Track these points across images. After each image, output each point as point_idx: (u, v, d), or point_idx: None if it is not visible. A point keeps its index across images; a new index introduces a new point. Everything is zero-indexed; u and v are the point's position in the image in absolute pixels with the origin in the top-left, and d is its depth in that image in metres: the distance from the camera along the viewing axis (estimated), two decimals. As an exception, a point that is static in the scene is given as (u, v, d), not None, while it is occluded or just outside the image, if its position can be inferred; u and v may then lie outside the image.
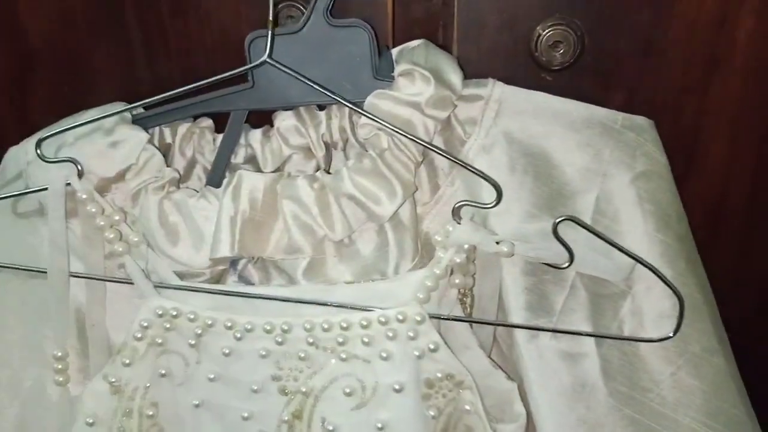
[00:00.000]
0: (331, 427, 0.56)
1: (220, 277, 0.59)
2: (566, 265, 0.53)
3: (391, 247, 0.56)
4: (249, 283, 0.58)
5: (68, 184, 0.55)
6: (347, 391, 0.55)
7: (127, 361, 0.56)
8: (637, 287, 0.55)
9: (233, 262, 0.58)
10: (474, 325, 0.58)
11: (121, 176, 0.57)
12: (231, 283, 0.59)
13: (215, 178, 0.58)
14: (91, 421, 0.57)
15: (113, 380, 0.57)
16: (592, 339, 0.55)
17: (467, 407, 0.57)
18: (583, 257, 0.53)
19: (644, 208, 0.55)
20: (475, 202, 0.53)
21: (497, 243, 0.53)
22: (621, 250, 0.53)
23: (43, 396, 0.60)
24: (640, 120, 0.57)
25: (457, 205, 0.54)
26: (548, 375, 0.55)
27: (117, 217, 0.56)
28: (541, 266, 0.55)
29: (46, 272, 0.56)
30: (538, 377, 0.55)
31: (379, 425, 0.55)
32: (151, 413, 0.57)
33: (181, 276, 0.57)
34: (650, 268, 0.53)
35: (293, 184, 0.55)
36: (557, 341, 0.55)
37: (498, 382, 0.58)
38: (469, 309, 0.58)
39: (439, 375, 0.55)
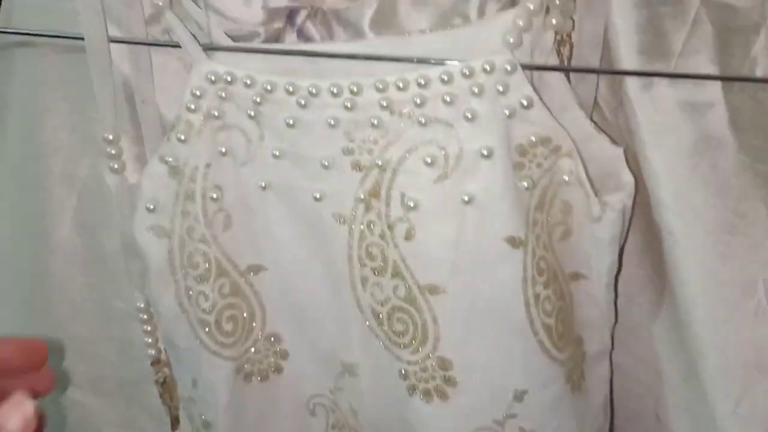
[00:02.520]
0: (411, 204, 0.49)
1: (277, 37, 0.51)
2: (690, -15, 0.44)
3: None
4: (312, 40, 0.51)
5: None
6: (428, 161, 0.48)
7: (183, 137, 0.51)
8: (775, 16, 0.45)
9: (290, 16, 0.50)
10: (573, 81, 0.49)
11: None
12: (290, 42, 0.51)
13: None
14: (151, 206, 0.52)
15: (170, 160, 0.52)
16: (718, 85, 0.46)
17: (565, 178, 0.49)
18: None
19: None
20: None
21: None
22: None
23: (101, 186, 0.56)
24: None
25: None
26: (666, 130, 0.47)
27: (152, -31, 0.50)
28: (657, -5, 0.45)
29: (82, 39, 0.50)
30: (653, 134, 0.47)
31: (465, 198, 0.49)
32: (214, 195, 0.52)
33: (233, 39, 0.50)
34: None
35: None
36: (676, 89, 0.46)
37: (601, 147, 0.50)
38: (566, 61, 0.49)
39: (533, 139, 0.48)
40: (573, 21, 0.48)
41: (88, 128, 0.54)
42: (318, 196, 0.51)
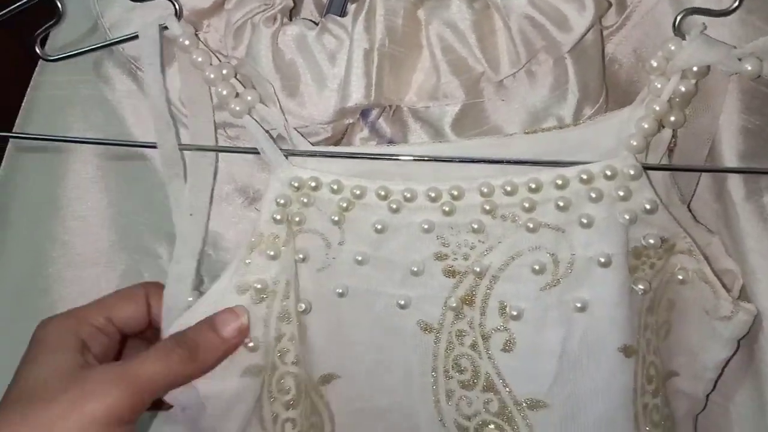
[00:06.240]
0: (514, 312, 0.45)
1: (343, 134, 0.46)
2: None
3: (571, 84, 0.44)
4: (384, 138, 0.46)
5: (165, 27, 0.42)
6: (536, 267, 0.44)
7: (272, 253, 0.45)
8: None
9: (364, 113, 0.46)
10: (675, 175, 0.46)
11: (218, 6, 0.44)
12: (360, 141, 0.47)
13: (337, 4, 0.45)
14: (251, 344, 0.46)
15: (257, 285, 0.46)
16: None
17: (680, 276, 0.46)
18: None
19: None
20: (706, 9, 0.40)
21: (739, 60, 0.40)
22: None
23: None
24: None
25: (680, 16, 0.41)
26: None
27: (225, 71, 0.43)
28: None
29: (155, 146, 0.44)
30: (758, 243, 0.44)
31: (578, 305, 0.44)
32: (303, 307, 0.47)
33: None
34: None
35: (444, 3, 0.42)
36: None
37: (699, 236, 0.46)
38: (670, 152, 0.46)
39: (652, 241, 0.44)
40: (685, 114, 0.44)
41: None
42: (403, 302, 0.46)
